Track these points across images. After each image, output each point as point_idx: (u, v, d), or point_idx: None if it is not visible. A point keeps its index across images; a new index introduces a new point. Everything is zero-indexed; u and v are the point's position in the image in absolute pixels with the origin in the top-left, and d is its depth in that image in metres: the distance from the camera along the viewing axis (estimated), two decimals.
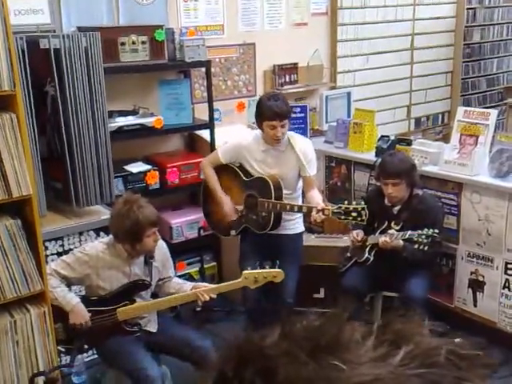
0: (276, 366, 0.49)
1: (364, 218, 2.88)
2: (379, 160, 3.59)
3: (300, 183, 3.29)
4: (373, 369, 0.48)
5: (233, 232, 3.38)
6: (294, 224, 3.33)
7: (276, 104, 3.07)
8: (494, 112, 3.59)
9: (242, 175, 3.28)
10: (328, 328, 0.52)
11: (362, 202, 2.98)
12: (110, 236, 2.76)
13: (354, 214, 2.88)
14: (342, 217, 2.90)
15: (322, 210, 2.93)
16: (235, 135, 3.56)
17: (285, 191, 3.19)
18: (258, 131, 3.23)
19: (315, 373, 0.48)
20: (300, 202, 3.32)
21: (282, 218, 3.23)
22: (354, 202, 2.95)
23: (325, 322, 0.54)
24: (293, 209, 3.13)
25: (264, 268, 2.70)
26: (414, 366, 0.49)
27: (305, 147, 3.23)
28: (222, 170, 3.34)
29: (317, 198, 3.14)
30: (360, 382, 0.47)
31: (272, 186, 3.14)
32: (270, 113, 3.06)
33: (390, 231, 3.25)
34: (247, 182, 3.27)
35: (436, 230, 3.11)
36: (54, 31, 3.39)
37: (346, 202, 2.94)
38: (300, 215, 3.35)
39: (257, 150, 3.23)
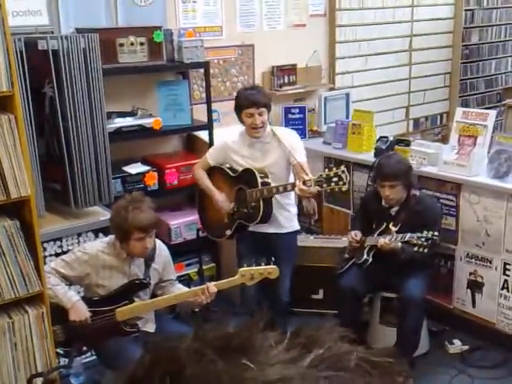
0: (184, 364, 0.50)
1: (345, 180, 2.87)
2: (376, 161, 3.58)
3: (291, 176, 3.29)
4: (282, 369, 0.49)
5: (228, 232, 3.39)
6: (290, 222, 3.34)
7: (252, 93, 3.15)
8: (492, 113, 3.60)
9: (230, 173, 3.31)
10: (241, 332, 0.54)
11: (342, 166, 2.96)
12: (111, 236, 2.76)
13: (335, 179, 2.88)
14: (324, 185, 2.90)
15: (304, 182, 2.93)
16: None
17: (275, 184, 3.19)
18: (244, 127, 3.25)
19: (223, 370, 0.49)
20: (293, 197, 3.33)
21: (277, 215, 3.23)
22: (334, 168, 2.95)
23: (239, 327, 0.55)
24: (278, 190, 3.13)
25: (260, 265, 2.72)
26: (322, 368, 0.50)
27: (288, 135, 3.26)
28: (212, 172, 3.37)
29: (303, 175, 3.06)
30: (267, 381, 0.48)
31: (257, 174, 3.15)
32: (247, 101, 3.12)
33: (390, 234, 3.24)
34: (235, 178, 3.29)
35: (436, 233, 3.10)
36: (52, 32, 3.39)
37: (326, 170, 2.95)
38: (295, 213, 3.36)
39: (243, 145, 3.26)
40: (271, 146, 3.23)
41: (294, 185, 3.00)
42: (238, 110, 3.19)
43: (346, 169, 2.91)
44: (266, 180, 3.15)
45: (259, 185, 3.13)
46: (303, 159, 3.19)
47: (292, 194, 3.31)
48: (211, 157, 3.36)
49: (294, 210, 3.36)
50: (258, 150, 3.24)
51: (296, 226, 3.40)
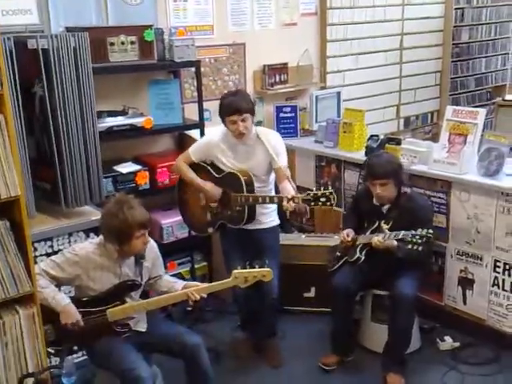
0: None
1: (333, 202, 2.93)
2: (366, 161, 3.59)
3: (272, 176, 3.32)
4: None
5: (210, 229, 3.42)
6: (269, 217, 3.37)
7: (234, 99, 3.14)
8: (482, 111, 3.61)
9: (213, 173, 3.32)
10: None
11: (330, 187, 3.00)
12: (101, 236, 2.75)
13: (322, 199, 2.92)
14: (312, 203, 2.94)
15: (292, 199, 2.96)
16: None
17: (256, 184, 3.22)
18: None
19: None
20: (273, 194, 3.34)
21: (257, 212, 3.25)
22: (322, 188, 2.97)
23: None
24: (265, 200, 3.17)
25: (254, 267, 2.71)
26: None
27: (272, 139, 3.27)
28: (194, 169, 3.38)
29: (288, 188, 3.15)
30: None
31: (243, 181, 3.17)
32: (229, 108, 3.13)
33: (382, 233, 3.25)
34: (219, 179, 3.30)
35: (430, 230, 3.10)
36: (42, 31, 3.38)
37: (314, 189, 2.98)
38: (274, 209, 3.39)
39: (226, 145, 3.28)
40: (255, 148, 3.25)
41: (281, 199, 3.03)
42: (221, 116, 3.21)
43: (334, 191, 2.95)
44: (251, 187, 3.18)
45: (244, 191, 3.15)
46: (284, 163, 3.25)
47: (272, 190, 3.34)
48: (194, 154, 3.37)
49: (274, 205, 3.36)
50: (241, 152, 3.27)
51: (276, 221, 3.43)
